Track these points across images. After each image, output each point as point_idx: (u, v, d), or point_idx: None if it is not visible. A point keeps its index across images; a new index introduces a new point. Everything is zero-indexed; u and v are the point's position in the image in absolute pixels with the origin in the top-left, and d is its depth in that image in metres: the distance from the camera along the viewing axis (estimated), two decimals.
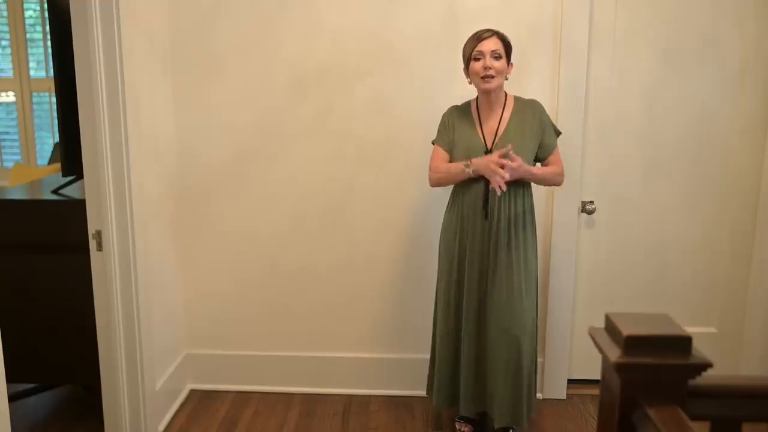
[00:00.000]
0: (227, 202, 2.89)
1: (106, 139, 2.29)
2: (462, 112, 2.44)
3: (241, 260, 2.94)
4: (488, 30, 2.31)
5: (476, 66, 2.30)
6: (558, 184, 2.46)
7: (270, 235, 2.91)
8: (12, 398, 1.84)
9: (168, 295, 2.81)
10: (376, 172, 2.83)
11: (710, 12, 2.71)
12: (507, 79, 2.36)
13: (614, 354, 1.00)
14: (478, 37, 2.30)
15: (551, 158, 2.41)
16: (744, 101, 2.78)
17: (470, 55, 2.31)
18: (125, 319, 2.42)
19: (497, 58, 2.28)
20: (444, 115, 2.48)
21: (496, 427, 2.45)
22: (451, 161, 2.41)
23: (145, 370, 2.49)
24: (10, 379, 1.72)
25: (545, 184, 2.44)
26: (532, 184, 2.41)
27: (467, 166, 2.29)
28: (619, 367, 0.99)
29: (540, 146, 2.38)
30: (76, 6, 2.20)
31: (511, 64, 2.35)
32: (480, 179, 2.32)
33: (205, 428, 2.72)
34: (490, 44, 2.28)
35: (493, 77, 2.28)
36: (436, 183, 2.44)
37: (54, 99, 3.60)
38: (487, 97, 2.36)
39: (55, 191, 2.73)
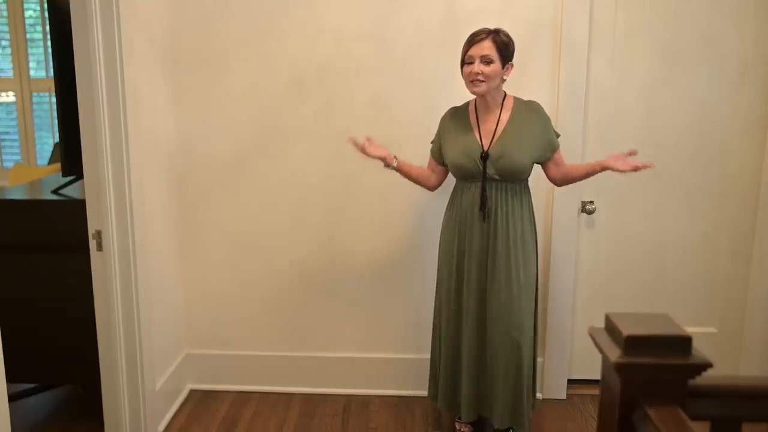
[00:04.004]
0: (227, 202, 2.89)
1: (106, 138, 2.29)
2: (459, 115, 2.43)
3: (241, 260, 2.94)
4: (484, 32, 2.25)
5: (465, 70, 2.27)
6: None
7: (270, 234, 2.91)
8: (12, 398, 1.84)
9: (168, 295, 2.81)
10: (376, 171, 2.82)
11: (710, 12, 2.71)
12: (505, 80, 2.32)
13: (614, 354, 1.00)
14: (471, 40, 2.26)
15: (557, 157, 2.39)
16: (743, 101, 2.78)
17: (463, 57, 2.28)
18: (125, 319, 2.42)
19: (488, 62, 2.23)
20: (440, 120, 2.48)
21: (495, 427, 2.45)
22: (446, 165, 2.42)
23: (145, 370, 2.49)
24: (10, 379, 1.72)
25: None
26: (530, 183, 2.40)
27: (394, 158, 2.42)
28: (619, 367, 0.99)
29: (548, 145, 2.35)
30: (76, 6, 2.20)
31: (511, 64, 2.30)
32: (477, 180, 2.32)
33: (205, 428, 2.72)
34: (482, 48, 2.23)
35: (481, 82, 2.24)
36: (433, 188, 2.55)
37: (54, 99, 3.59)
38: (483, 99, 2.34)
39: (55, 191, 2.73)
